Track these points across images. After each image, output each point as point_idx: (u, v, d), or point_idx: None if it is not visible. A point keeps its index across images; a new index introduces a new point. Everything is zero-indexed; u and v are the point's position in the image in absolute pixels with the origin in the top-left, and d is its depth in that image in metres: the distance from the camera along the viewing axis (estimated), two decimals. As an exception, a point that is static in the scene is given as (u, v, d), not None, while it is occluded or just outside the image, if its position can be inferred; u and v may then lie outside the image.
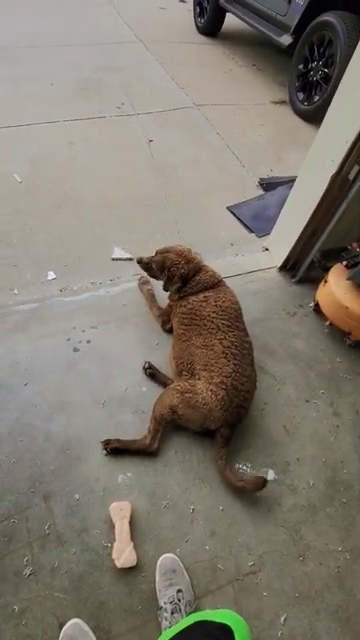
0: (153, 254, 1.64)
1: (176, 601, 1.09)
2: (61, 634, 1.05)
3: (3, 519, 1.23)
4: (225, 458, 1.33)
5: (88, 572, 1.17)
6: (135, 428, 1.43)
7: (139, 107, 3.27)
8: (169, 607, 1.08)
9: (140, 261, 1.62)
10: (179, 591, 1.12)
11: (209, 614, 0.75)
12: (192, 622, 0.71)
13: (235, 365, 1.36)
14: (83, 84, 3.44)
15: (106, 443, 1.36)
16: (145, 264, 1.62)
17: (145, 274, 1.88)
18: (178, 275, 1.52)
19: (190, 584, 1.17)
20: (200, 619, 0.72)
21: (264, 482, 1.28)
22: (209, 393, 1.32)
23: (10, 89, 3.23)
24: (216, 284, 1.54)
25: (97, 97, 3.31)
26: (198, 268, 1.58)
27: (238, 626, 0.69)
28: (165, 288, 1.59)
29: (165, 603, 1.10)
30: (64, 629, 1.06)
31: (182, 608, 1.08)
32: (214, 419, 1.33)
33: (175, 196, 2.49)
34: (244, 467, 1.40)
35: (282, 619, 1.16)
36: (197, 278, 1.55)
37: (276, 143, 3.14)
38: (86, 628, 1.07)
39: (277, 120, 3.45)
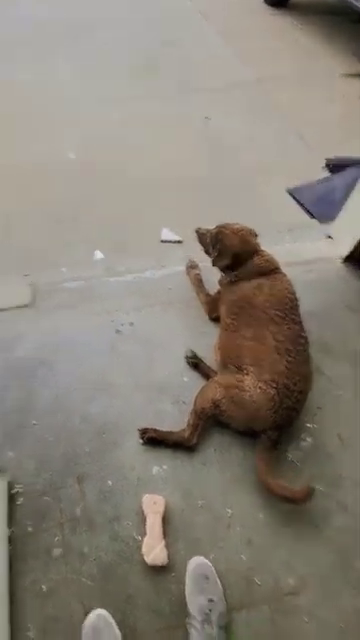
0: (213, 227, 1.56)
1: (207, 611, 1.00)
2: (86, 622, 1.01)
3: (38, 495, 1.22)
4: (271, 464, 1.22)
5: (117, 562, 1.12)
6: (173, 419, 1.35)
7: (197, 83, 3.10)
8: (199, 617, 1.00)
9: (198, 230, 1.57)
10: (210, 600, 1.03)
11: None
12: None
13: (288, 362, 1.24)
14: (139, 59, 3.32)
15: (143, 432, 1.30)
16: (201, 234, 1.57)
17: (194, 259, 1.79)
18: (230, 253, 1.41)
19: (223, 594, 1.07)
20: None
21: (312, 491, 1.13)
22: (257, 391, 1.22)
23: (65, 66, 3.18)
24: (272, 271, 1.42)
25: (153, 73, 3.19)
26: (253, 251, 1.45)
27: None
28: (213, 263, 1.50)
29: (195, 611, 1.01)
30: (89, 617, 1.02)
31: (213, 620, 0.99)
32: (261, 420, 1.22)
33: (231, 177, 2.34)
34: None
35: (324, 651, 1.03)
36: (251, 262, 1.44)
37: (346, 120, 2.82)
38: (111, 620, 1.02)
39: (347, 95, 3.09)
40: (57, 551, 1.13)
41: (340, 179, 2.29)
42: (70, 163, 2.40)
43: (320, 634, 1.05)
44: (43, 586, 1.09)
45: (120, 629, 1.02)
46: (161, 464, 1.28)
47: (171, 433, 1.31)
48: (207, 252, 1.60)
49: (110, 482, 1.24)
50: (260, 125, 2.76)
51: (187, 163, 2.43)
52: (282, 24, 4.13)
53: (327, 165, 2.44)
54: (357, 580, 1.13)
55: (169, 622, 1.05)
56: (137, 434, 1.32)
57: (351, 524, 1.21)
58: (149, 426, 1.32)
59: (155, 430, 1.31)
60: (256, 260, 1.43)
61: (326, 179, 2.34)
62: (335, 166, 2.41)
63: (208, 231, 1.55)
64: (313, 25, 4.08)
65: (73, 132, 2.59)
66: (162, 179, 2.30)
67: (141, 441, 1.31)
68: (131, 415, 1.37)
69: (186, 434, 1.29)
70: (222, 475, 1.27)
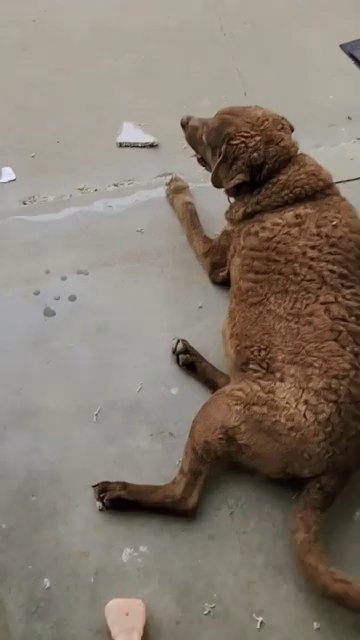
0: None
1: None
2: None
3: None
4: (318, 532, 1.19)
5: None
6: (155, 462, 1.35)
7: None
8: None
9: (185, 123, 1.56)
10: None
11: None
12: None
13: (356, 355, 1.22)
14: None
15: (102, 489, 1.29)
16: (193, 129, 1.54)
17: (181, 176, 1.74)
18: (244, 160, 1.37)
19: None
20: None
21: None
22: (302, 408, 1.19)
23: None
24: (321, 192, 1.41)
25: None
26: (286, 157, 1.41)
27: None
28: (215, 180, 1.48)
29: None
30: None
31: None
32: (310, 458, 1.19)
33: (239, 25, 2.28)
34: None
35: None
36: (283, 178, 1.39)
37: None
38: None
39: None
40: None
41: None
42: None
43: None
44: None
45: None
46: (137, 544, 1.26)
47: (152, 489, 1.28)
48: (202, 161, 1.55)
49: (47, 582, 1.21)
50: None
51: (162, 4, 2.36)
52: None
53: None
54: None
55: None
56: (91, 493, 1.29)
57: None
58: (111, 478, 1.29)
59: (124, 485, 1.28)
60: (292, 174, 1.39)
61: None
62: None
63: (204, 123, 1.50)
64: None
65: None
66: (115, 31, 2.23)
67: (99, 505, 1.28)
68: (79, 461, 1.34)
69: (178, 490, 1.27)
70: (245, 557, 1.25)
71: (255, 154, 1.37)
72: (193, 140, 1.53)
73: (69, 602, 1.19)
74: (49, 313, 1.55)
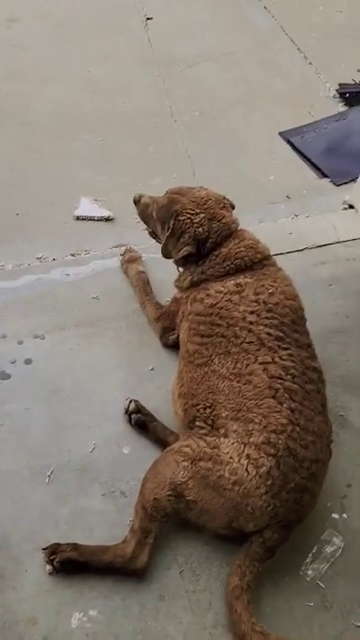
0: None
1: None
2: None
3: None
4: (251, 582, 1.21)
5: None
6: (106, 523, 1.35)
7: None
8: None
9: (137, 200, 1.65)
10: None
11: None
12: None
13: (293, 411, 1.28)
14: None
15: (52, 551, 1.28)
16: (144, 206, 1.64)
17: (134, 247, 1.83)
18: (190, 234, 1.49)
19: None
20: None
21: None
22: (244, 462, 1.23)
23: None
24: (259, 263, 1.51)
25: None
26: (228, 232, 1.52)
27: None
28: (165, 252, 1.58)
29: None
30: None
31: None
32: (253, 512, 1.22)
33: (189, 112, 2.45)
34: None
35: None
36: (225, 251, 1.50)
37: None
38: None
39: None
40: None
41: (360, 116, 2.46)
42: None
43: None
44: None
45: None
46: (86, 608, 1.24)
47: (103, 549, 1.28)
48: (153, 234, 1.64)
49: (-7, 651, 1.17)
50: (233, 29, 2.91)
51: (117, 89, 2.52)
52: None
53: (341, 93, 2.60)
54: None
55: None
56: (41, 556, 1.28)
57: None
58: (62, 540, 1.29)
59: (75, 546, 1.28)
60: (232, 247, 1.50)
61: (341, 115, 2.49)
62: (354, 94, 2.57)
63: (154, 201, 1.61)
64: None
65: None
66: (76, 116, 2.37)
67: (49, 568, 1.26)
68: (29, 522, 1.33)
69: (129, 549, 1.27)
70: (195, 617, 1.24)
71: (200, 229, 1.48)
72: (145, 216, 1.63)
73: (16, 672, 1.14)
74: (4, 376, 1.57)
